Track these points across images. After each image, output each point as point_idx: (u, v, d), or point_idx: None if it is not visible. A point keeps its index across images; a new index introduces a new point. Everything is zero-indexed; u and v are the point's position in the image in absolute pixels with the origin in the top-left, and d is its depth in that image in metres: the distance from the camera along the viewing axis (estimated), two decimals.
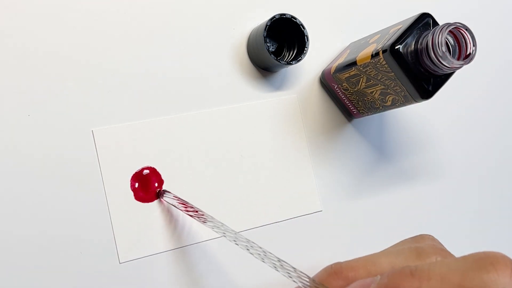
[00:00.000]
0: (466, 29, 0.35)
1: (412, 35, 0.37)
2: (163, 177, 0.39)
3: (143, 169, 0.38)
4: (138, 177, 0.38)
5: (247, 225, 0.41)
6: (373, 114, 0.44)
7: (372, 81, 0.40)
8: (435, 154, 0.50)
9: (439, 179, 0.49)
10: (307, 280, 0.26)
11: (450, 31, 0.35)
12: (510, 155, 0.53)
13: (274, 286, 0.40)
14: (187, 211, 0.36)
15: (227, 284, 0.40)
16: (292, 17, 0.40)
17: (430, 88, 0.37)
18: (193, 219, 0.36)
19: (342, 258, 0.44)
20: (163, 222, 0.38)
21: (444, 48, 0.34)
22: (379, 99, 0.41)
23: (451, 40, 0.36)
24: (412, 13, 0.40)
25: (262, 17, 0.43)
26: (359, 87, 0.41)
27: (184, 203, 0.36)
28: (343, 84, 0.42)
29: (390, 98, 0.40)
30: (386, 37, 0.38)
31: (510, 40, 0.54)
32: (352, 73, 0.41)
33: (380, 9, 0.48)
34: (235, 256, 0.40)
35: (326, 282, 0.26)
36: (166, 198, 0.37)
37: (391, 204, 0.47)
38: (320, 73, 0.45)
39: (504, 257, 0.21)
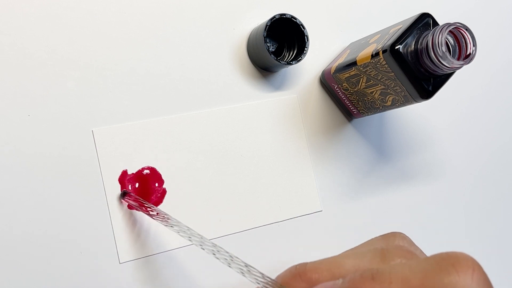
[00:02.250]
0: (466, 29, 0.35)
1: (412, 35, 0.37)
2: (163, 177, 0.39)
3: (143, 169, 0.38)
4: (138, 177, 0.38)
5: (247, 225, 0.41)
6: (373, 114, 0.44)
7: (372, 81, 0.40)
8: (435, 154, 0.50)
9: (439, 179, 0.49)
10: (271, 283, 0.26)
11: (450, 31, 0.35)
12: (510, 155, 0.53)
13: None
14: (150, 214, 0.35)
15: (227, 284, 0.40)
16: (292, 17, 0.40)
17: (430, 88, 0.37)
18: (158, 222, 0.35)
19: None
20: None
21: (444, 48, 0.34)
22: (379, 99, 0.41)
23: (451, 40, 0.36)
24: (412, 13, 0.40)
25: (262, 17, 0.43)
26: (359, 87, 0.41)
27: (145, 206, 0.35)
28: (343, 84, 0.42)
29: (390, 98, 0.40)
30: (386, 37, 0.38)
31: (510, 40, 0.54)
32: (352, 73, 0.41)
33: (380, 9, 0.48)
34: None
35: (289, 284, 0.25)
36: (128, 199, 0.37)
37: (391, 204, 0.47)
38: (320, 73, 0.45)
39: (466, 258, 0.21)
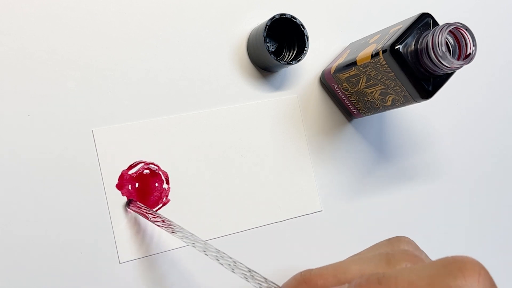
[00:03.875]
0: (466, 29, 0.35)
1: (412, 35, 0.37)
2: (163, 177, 0.39)
3: (143, 168, 0.38)
4: (138, 177, 0.38)
5: (247, 225, 0.41)
6: (373, 114, 0.44)
7: (372, 81, 0.40)
8: (435, 154, 0.50)
9: (439, 179, 0.49)
10: (274, 287, 0.26)
11: (450, 31, 0.35)
12: (510, 154, 0.53)
13: None
14: (155, 221, 0.35)
15: (228, 284, 0.40)
16: (292, 17, 0.40)
17: (430, 88, 0.37)
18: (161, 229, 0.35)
19: (341, 258, 0.44)
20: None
21: (444, 48, 0.34)
22: (379, 99, 0.41)
23: (451, 40, 0.36)
24: (412, 13, 0.40)
25: (262, 17, 0.43)
26: (359, 87, 0.41)
27: (151, 213, 0.35)
28: (343, 84, 0.42)
29: (390, 98, 0.40)
30: (386, 37, 0.38)
31: (510, 40, 0.54)
32: (352, 73, 0.41)
33: (380, 9, 0.48)
34: (234, 256, 0.40)
35: None
36: (132, 207, 0.37)
37: (391, 204, 0.47)
38: (320, 73, 0.45)
39: (472, 262, 0.21)
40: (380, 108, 0.42)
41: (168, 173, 0.39)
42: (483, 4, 0.53)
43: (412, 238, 0.28)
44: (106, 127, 0.38)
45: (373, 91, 0.41)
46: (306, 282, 0.25)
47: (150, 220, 0.35)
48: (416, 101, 0.38)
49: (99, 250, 0.36)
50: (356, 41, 0.45)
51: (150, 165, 0.38)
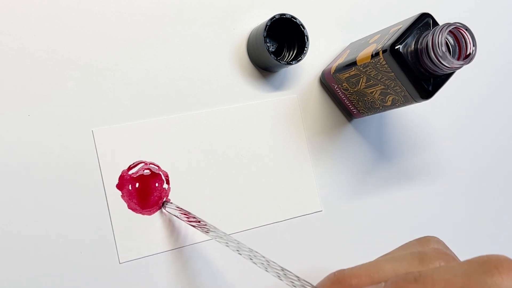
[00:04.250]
0: (466, 29, 0.35)
1: (412, 35, 0.37)
2: (163, 177, 0.39)
3: (143, 168, 0.38)
4: (138, 177, 0.38)
5: (247, 225, 0.41)
6: (373, 114, 0.44)
7: (372, 81, 0.40)
8: (435, 154, 0.50)
9: (439, 179, 0.49)
10: (309, 286, 0.26)
11: (450, 31, 0.35)
12: (510, 154, 0.53)
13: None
14: (190, 221, 0.35)
15: (227, 285, 0.40)
16: (292, 17, 0.40)
17: (430, 88, 0.37)
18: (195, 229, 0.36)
19: (342, 258, 0.44)
20: (163, 222, 0.38)
21: (444, 48, 0.34)
22: (379, 99, 0.41)
23: (451, 40, 0.36)
24: (412, 13, 0.40)
25: (262, 17, 0.43)
26: (359, 87, 0.41)
27: (187, 214, 0.36)
28: (343, 84, 0.42)
29: (390, 98, 0.40)
30: (386, 37, 0.38)
31: (510, 40, 0.54)
32: (352, 73, 0.41)
33: (380, 9, 0.48)
34: (236, 256, 0.40)
35: None
36: (168, 209, 0.37)
37: (391, 204, 0.47)
38: (320, 73, 0.45)
39: (508, 260, 0.21)
40: (380, 108, 0.42)
41: (168, 173, 0.39)
42: (483, 4, 0.53)
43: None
44: (106, 127, 0.38)
45: (373, 91, 0.41)
46: (340, 282, 0.25)
47: (185, 221, 0.36)
48: (416, 101, 0.38)
49: (99, 250, 0.36)
50: (356, 41, 0.45)
51: (150, 165, 0.38)
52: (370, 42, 0.41)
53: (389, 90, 0.39)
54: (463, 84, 0.51)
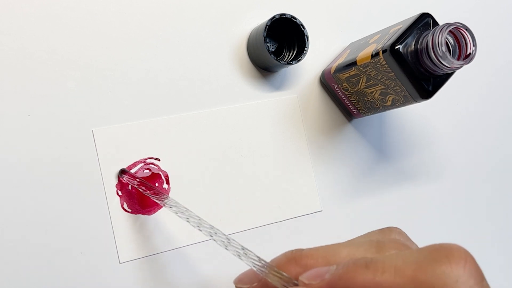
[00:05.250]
0: (466, 29, 0.35)
1: (412, 35, 0.37)
2: (163, 177, 0.39)
3: (143, 168, 0.38)
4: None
5: (247, 225, 0.41)
6: (373, 114, 0.44)
7: (372, 81, 0.40)
8: (435, 154, 0.50)
9: (439, 179, 0.49)
10: (265, 264, 0.26)
11: (450, 31, 0.35)
12: (510, 154, 0.53)
13: None
14: (151, 194, 0.35)
15: (227, 285, 0.40)
16: (292, 17, 0.40)
17: (430, 88, 0.37)
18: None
19: None
20: (163, 222, 0.38)
21: (444, 48, 0.34)
22: (379, 99, 0.41)
23: (451, 40, 0.36)
24: (412, 13, 0.40)
25: (262, 17, 0.43)
26: (359, 87, 0.41)
27: (144, 184, 0.35)
28: (343, 84, 0.42)
29: (390, 98, 0.40)
30: (386, 37, 0.38)
31: (510, 40, 0.54)
32: (352, 73, 0.41)
33: (380, 9, 0.48)
34: (235, 256, 0.40)
35: (283, 268, 0.25)
36: (126, 178, 0.37)
37: (391, 204, 0.47)
38: (320, 73, 0.45)
39: (459, 249, 0.21)
40: (380, 108, 0.42)
41: (168, 173, 0.39)
42: (483, 4, 0.53)
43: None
44: (106, 127, 0.38)
45: (373, 91, 0.41)
46: (296, 261, 0.25)
47: (143, 191, 0.35)
48: (416, 101, 0.38)
49: (99, 250, 0.36)
50: (356, 41, 0.45)
51: (150, 165, 0.38)
52: (370, 42, 0.41)
53: (389, 90, 0.39)
54: (463, 84, 0.51)
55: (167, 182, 0.39)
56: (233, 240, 0.29)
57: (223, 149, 0.41)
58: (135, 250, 0.37)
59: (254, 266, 0.27)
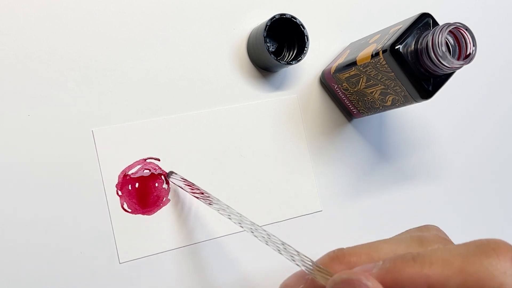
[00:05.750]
0: (466, 29, 0.35)
1: (412, 35, 0.37)
2: (162, 177, 0.39)
3: (143, 168, 0.38)
4: (138, 177, 0.38)
5: None
6: (373, 114, 0.44)
7: (372, 81, 0.40)
8: (435, 154, 0.50)
9: (439, 179, 0.49)
10: (310, 263, 0.27)
11: (450, 31, 0.35)
12: (510, 154, 0.53)
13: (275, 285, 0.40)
14: (194, 193, 0.36)
15: (227, 284, 0.40)
16: (292, 17, 0.40)
17: (430, 88, 0.37)
18: (199, 201, 0.36)
19: None
20: (163, 222, 0.38)
21: (444, 48, 0.34)
22: (379, 99, 0.41)
23: (451, 40, 0.36)
24: (412, 13, 0.40)
25: (262, 17, 0.43)
26: (359, 87, 0.41)
27: (191, 185, 0.36)
28: (343, 84, 0.42)
29: (390, 98, 0.40)
30: (386, 37, 0.38)
31: (510, 40, 0.54)
32: (352, 73, 0.41)
33: (380, 9, 0.48)
34: (235, 256, 0.40)
35: (328, 267, 0.26)
36: (173, 179, 0.37)
37: (391, 204, 0.47)
38: (320, 73, 0.45)
39: (505, 243, 0.21)
40: (380, 108, 0.42)
41: (168, 173, 0.39)
42: (483, 4, 0.53)
43: None
44: (106, 127, 0.38)
45: (373, 91, 0.41)
46: (339, 259, 0.26)
47: (189, 192, 0.36)
48: (416, 101, 0.38)
49: (99, 250, 0.36)
50: (356, 41, 0.45)
51: (150, 165, 0.38)
52: (370, 42, 0.41)
53: (389, 90, 0.39)
54: (463, 84, 0.51)
55: (167, 182, 0.39)
56: (273, 236, 0.30)
57: (223, 149, 0.41)
58: (135, 250, 0.37)
59: (293, 260, 0.27)
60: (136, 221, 0.37)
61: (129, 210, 0.37)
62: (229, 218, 0.33)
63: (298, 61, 0.40)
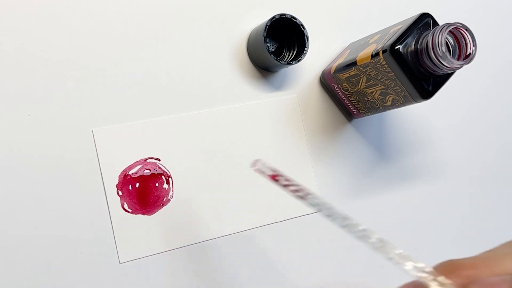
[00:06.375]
0: (466, 29, 0.35)
1: (412, 35, 0.37)
2: (163, 177, 0.39)
3: (143, 168, 0.38)
4: (138, 177, 0.38)
5: (247, 225, 0.41)
6: (373, 114, 0.44)
7: (372, 81, 0.40)
8: (435, 154, 0.50)
9: (439, 179, 0.49)
10: (427, 271, 0.25)
11: (450, 31, 0.35)
12: (509, 154, 0.53)
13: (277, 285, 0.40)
14: (286, 186, 0.33)
15: (227, 284, 0.40)
16: (292, 17, 0.40)
17: (430, 88, 0.37)
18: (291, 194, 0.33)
19: (342, 258, 0.44)
20: (163, 222, 0.38)
21: (444, 48, 0.34)
22: (379, 99, 0.41)
23: (451, 40, 0.36)
24: (412, 13, 0.40)
25: (262, 17, 0.43)
26: (359, 87, 0.41)
27: (281, 175, 0.33)
28: (343, 84, 0.42)
29: (390, 98, 0.40)
30: (386, 37, 0.38)
31: (510, 40, 0.54)
32: (352, 73, 0.41)
33: (380, 9, 0.48)
34: (235, 256, 0.40)
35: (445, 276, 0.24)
36: (261, 166, 0.34)
37: (391, 204, 0.47)
38: (320, 73, 0.45)
39: None
40: (380, 108, 0.42)
41: (168, 173, 0.39)
42: (483, 4, 0.53)
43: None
44: (106, 127, 0.38)
45: (373, 91, 0.41)
46: (455, 272, 0.24)
47: (278, 183, 0.34)
48: (416, 101, 0.38)
49: (99, 250, 0.36)
50: (356, 41, 0.45)
51: (150, 165, 0.38)
52: (370, 42, 0.41)
53: (389, 90, 0.39)
54: (463, 84, 0.51)
55: (167, 182, 0.39)
56: (371, 230, 0.28)
57: (223, 149, 0.41)
58: (135, 250, 0.37)
59: (391, 258, 0.26)
60: (136, 221, 0.37)
61: (129, 210, 0.37)
62: (331, 220, 0.30)
63: (298, 61, 0.40)
